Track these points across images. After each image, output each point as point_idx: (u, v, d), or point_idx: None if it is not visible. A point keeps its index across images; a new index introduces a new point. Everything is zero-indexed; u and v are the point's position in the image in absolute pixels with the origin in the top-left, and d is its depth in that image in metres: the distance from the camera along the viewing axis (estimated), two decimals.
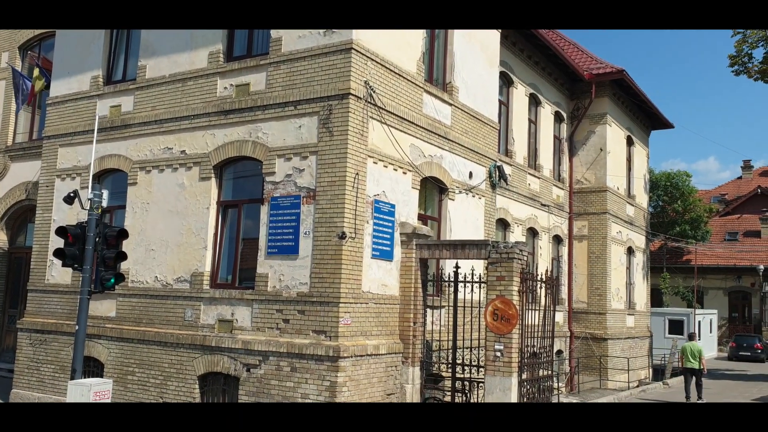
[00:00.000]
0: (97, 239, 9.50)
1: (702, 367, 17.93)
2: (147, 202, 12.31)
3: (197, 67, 11.97)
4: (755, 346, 33.97)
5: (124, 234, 10.03)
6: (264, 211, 11.01)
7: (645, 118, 25.99)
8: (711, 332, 36.53)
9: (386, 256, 11.16)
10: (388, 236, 11.22)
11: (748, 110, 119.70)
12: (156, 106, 12.40)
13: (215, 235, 11.65)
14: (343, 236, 10.06)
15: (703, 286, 40.91)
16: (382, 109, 11.01)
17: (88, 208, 9.63)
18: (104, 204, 9.87)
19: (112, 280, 9.88)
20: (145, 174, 12.40)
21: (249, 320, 10.82)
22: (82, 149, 13.25)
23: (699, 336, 33.11)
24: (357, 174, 10.38)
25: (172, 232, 11.91)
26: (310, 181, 10.53)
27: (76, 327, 9.77)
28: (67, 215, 12.80)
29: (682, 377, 18.94)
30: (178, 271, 11.74)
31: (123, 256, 10.17)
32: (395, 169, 11.41)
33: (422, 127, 12.14)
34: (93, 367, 12.27)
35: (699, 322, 33.96)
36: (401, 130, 11.56)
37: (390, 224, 11.24)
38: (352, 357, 10.02)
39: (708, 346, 34.79)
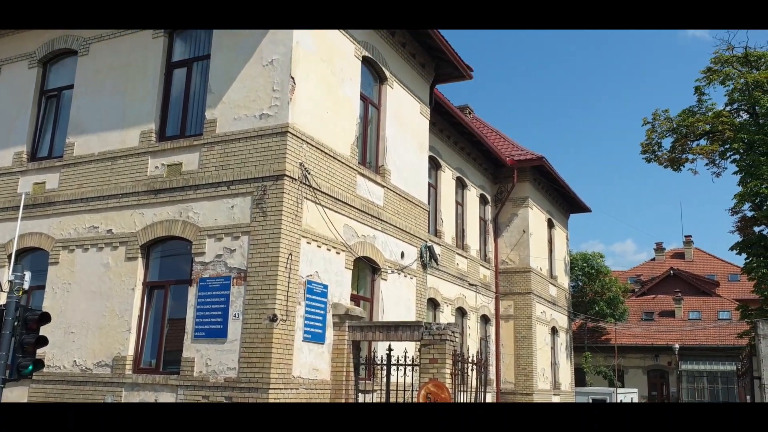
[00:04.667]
0: (16, 323, 8.97)
1: None
2: (69, 282, 11.80)
3: (128, 146, 11.83)
4: None
5: (46, 318, 9.51)
6: (192, 292, 10.74)
7: (564, 202, 27.22)
8: None
9: (318, 338, 11.01)
10: (321, 318, 11.11)
11: (660, 195, 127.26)
12: (83, 184, 12.10)
13: (140, 317, 11.23)
14: (274, 319, 9.90)
15: (623, 365, 41.93)
16: (317, 189, 11.13)
17: (7, 290, 9.13)
18: (26, 286, 9.38)
19: (30, 367, 9.25)
20: (68, 253, 11.94)
21: None
22: (1, 227, 12.69)
23: None
24: (290, 254, 10.34)
25: (94, 313, 11.41)
26: (242, 262, 10.40)
27: None
28: None
29: None
30: (99, 355, 11.17)
31: (44, 341, 9.60)
32: (329, 249, 11.44)
33: (356, 208, 12.31)
34: None
35: (621, 400, 34.65)
36: (335, 211, 11.68)
37: (323, 305, 11.16)
38: None
39: None
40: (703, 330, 42.30)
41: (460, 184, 20.64)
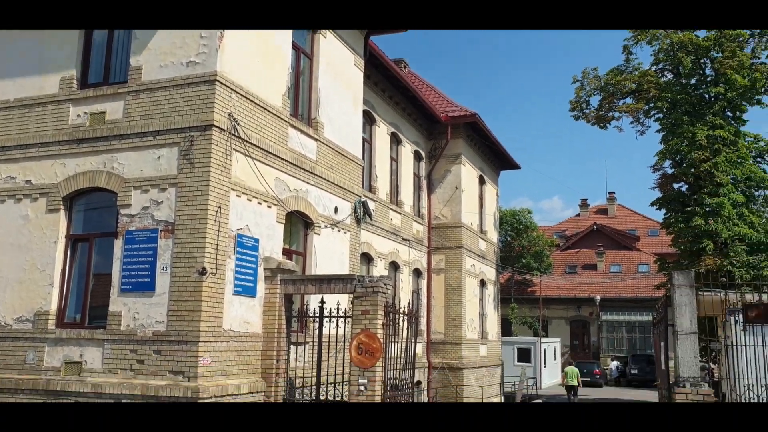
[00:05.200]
0: None
1: (578, 384, 25.37)
2: None
3: (47, 92, 11.23)
4: (594, 372, 36.65)
5: None
6: (118, 245, 10.44)
7: (495, 159, 27.67)
8: (555, 359, 39.00)
9: (249, 292, 10.94)
10: (252, 272, 11.02)
11: (587, 153, 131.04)
12: None
13: (63, 270, 10.86)
14: (203, 272, 9.76)
15: (547, 316, 43.66)
16: (247, 141, 10.90)
17: None
18: None
19: None
20: None
21: (100, 362, 10.13)
22: None
23: (545, 363, 35.33)
24: (219, 207, 10.16)
25: (13, 267, 10.95)
26: (169, 215, 10.16)
27: None
28: None
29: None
30: (19, 310, 10.78)
31: None
32: (260, 203, 11.29)
33: (288, 161, 12.15)
34: None
35: (545, 349, 36.19)
36: (266, 164, 11.49)
37: (254, 259, 11.07)
38: (211, 398, 9.66)
39: (552, 373, 37.14)
40: (623, 282, 44.38)
41: (395, 140, 20.64)
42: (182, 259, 9.93)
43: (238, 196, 10.69)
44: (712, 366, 22.87)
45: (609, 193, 61.65)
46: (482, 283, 25.47)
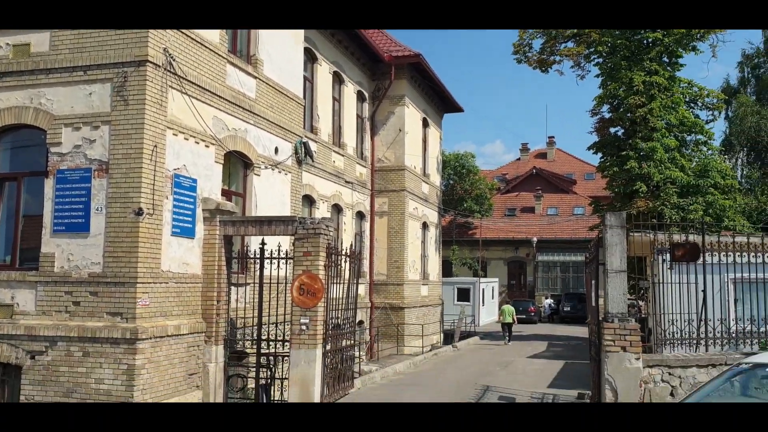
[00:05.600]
0: None
1: (513, 321, 26.49)
2: None
3: None
4: (529, 309, 38.05)
5: None
6: (49, 185, 10.06)
7: (439, 102, 27.64)
8: (493, 298, 40.22)
9: (188, 233, 10.77)
10: (190, 212, 10.83)
11: (529, 97, 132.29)
12: None
13: None
14: (140, 213, 9.53)
15: (486, 257, 44.75)
16: (183, 78, 10.53)
17: None
18: None
19: None
20: None
21: (33, 304, 9.88)
22: None
23: (483, 302, 36.40)
24: (155, 146, 9.86)
25: None
26: (103, 153, 9.81)
27: None
28: None
29: (468, 340, 21.95)
30: None
31: None
32: (197, 142, 11.01)
33: (226, 99, 11.82)
34: None
35: (483, 289, 37.25)
36: (204, 101, 11.16)
37: (192, 200, 10.85)
38: (151, 339, 9.59)
39: (490, 311, 38.35)
40: (559, 224, 45.72)
41: (338, 80, 20.30)
42: (117, 200, 9.66)
43: (174, 134, 10.38)
44: (641, 303, 24.05)
45: (549, 137, 62.60)
46: (424, 226, 25.78)
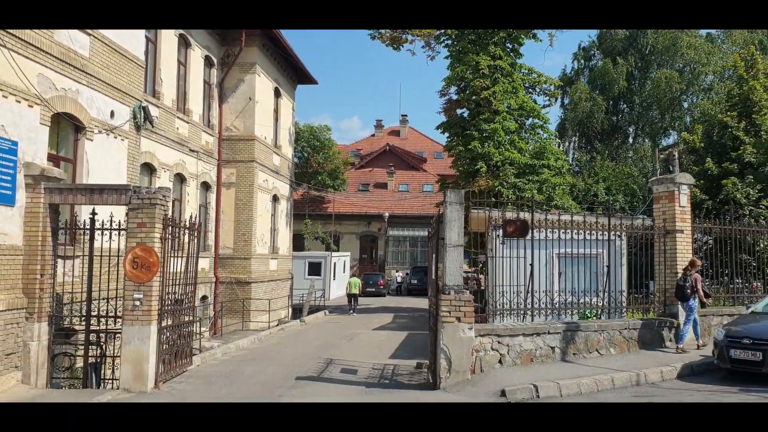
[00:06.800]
0: None
1: (359, 292, 28.12)
2: None
3: None
4: (379, 282, 38.96)
5: None
6: None
7: (292, 72, 27.21)
8: (344, 272, 40.70)
9: (6, 200, 9.81)
10: (9, 178, 9.85)
11: (385, 75, 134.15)
12: None
13: None
14: None
15: (339, 232, 45.13)
16: (2, 30, 9.49)
17: None
18: None
19: None
20: None
21: None
22: None
23: (334, 276, 36.76)
24: None
25: None
26: None
27: None
28: None
29: (317, 314, 22.85)
30: None
31: None
32: (18, 101, 10.01)
33: (54, 56, 10.83)
34: None
35: (335, 263, 37.58)
36: (27, 57, 10.15)
37: (11, 164, 9.88)
38: None
39: (341, 285, 38.80)
40: (409, 200, 47.07)
41: (183, 43, 19.32)
42: None
43: None
44: (480, 276, 25.39)
45: (402, 115, 63.98)
46: (275, 199, 25.43)
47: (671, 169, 15.57)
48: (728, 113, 24.44)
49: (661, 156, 34.29)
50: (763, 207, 20.70)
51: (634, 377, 9.95)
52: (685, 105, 47.81)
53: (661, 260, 12.98)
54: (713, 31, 48.78)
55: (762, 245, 17.07)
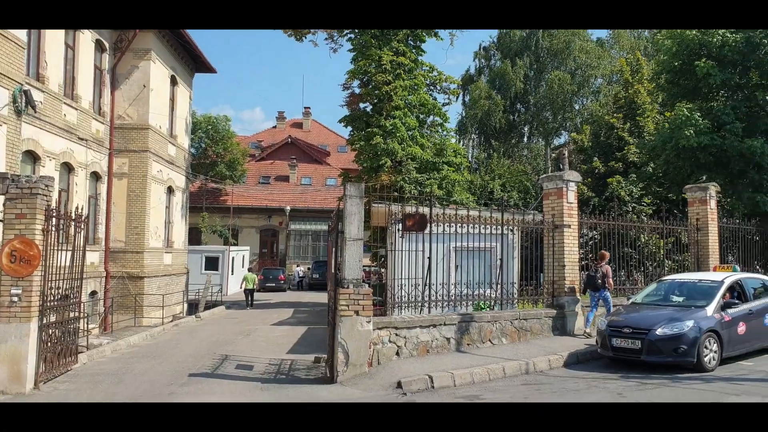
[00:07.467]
0: None
1: (255, 288, 27.84)
2: None
3: None
4: (279, 277, 38.50)
5: None
6: None
7: (190, 60, 26.34)
8: (243, 266, 39.91)
9: None
10: None
11: (288, 66, 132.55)
12: None
13: None
14: None
15: (238, 225, 44.22)
16: None
17: None
18: None
19: None
20: None
21: None
22: None
23: (232, 270, 36.00)
24: None
25: None
26: None
27: None
28: None
29: (213, 310, 22.91)
30: None
31: None
32: None
33: None
34: None
35: (233, 258, 36.78)
36: None
37: None
38: None
39: (239, 280, 38.01)
40: (312, 194, 46.80)
41: None
42: None
43: None
44: (382, 270, 25.63)
45: (305, 107, 63.51)
46: (170, 190, 24.55)
47: (561, 167, 16.30)
48: (615, 115, 25.90)
49: (553, 155, 35.91)
50: (645, 204, 22.10)
51: (523, 366, 10.35)
52: (576, 106, 50.27)
53: (550, 253, 13.56)
54: (603, 35, 51.59)
55: (643, 239, 18.21)
